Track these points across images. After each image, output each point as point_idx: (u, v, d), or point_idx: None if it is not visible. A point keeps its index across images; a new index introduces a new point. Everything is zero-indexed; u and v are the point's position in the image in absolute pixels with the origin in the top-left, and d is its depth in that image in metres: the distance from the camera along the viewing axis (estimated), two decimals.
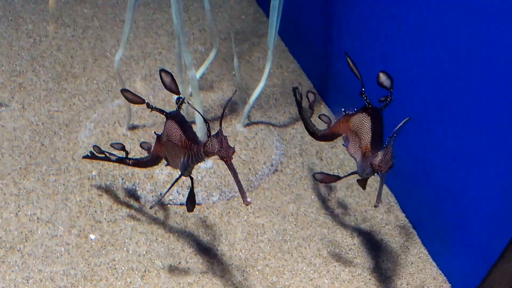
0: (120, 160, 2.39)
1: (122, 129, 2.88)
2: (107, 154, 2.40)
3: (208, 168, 2.72)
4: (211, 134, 1.74)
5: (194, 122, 2.73)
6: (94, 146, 2.41)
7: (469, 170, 2.25)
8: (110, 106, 3.07)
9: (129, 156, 2.35)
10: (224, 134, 1.72)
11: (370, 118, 1.94)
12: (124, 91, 1.91)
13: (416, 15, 2.38)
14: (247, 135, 3.00)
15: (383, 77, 1.94)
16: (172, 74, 1.89)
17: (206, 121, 1.76)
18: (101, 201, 2.56)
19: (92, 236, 2.41)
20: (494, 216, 2.18)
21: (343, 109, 2.11)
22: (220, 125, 1.73)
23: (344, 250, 2.49)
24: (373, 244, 2.54)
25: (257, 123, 3.11)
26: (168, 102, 3.14)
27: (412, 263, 2.49)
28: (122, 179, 2.62)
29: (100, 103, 3.11)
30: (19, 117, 2.96)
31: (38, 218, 2.46)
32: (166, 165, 2.14)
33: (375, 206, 1.82)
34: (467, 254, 2.35)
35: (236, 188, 2.64)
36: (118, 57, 2.63)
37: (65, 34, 3.74)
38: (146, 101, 1.90)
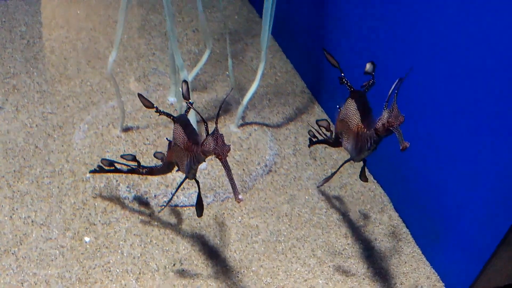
0: (132, 171, 2.40)
1: (116, 131, 2.89)
2: (117, 166, 2.41)
3: (202, 169, 2.72)
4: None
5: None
6: (103, 160, 2.42)
7: (461, 171, 2.27)
8: (104, 107, 3.07)
9: (141, 165, 2.36)
10: (230, 144, 1.74)
11: (355, 100, 1.95)
12: (140, 96, 1.98)
13: (406, 15, 2.40)
14: (241, 135, 3.01)
15: (368, 66, 1.98)
16: (188, 83, 1.96)
17: (204, 121, 1.78)
18: (96, 203, 2.56)
19: (86, 239, 2.41)
20: (486, 215, 2.20)
21: (338, 106, 2.11)
22: (216, 123, 1.75)
23: (338, 250, 2.51)
24: (366, 244, 2.56)
25: (250, 123, 3.12)
26: (162, 103, 3.14)
27: (405, 262, 2.50)
28: (117, 180, 2.62)
29: (94, 105, 3.11)
30: (13, 119, 2.96)
31: (32, 221, 2.47)
32: (177, 171, 2.16)
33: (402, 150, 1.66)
34: (460, 253, 2.36)
35: (230, 189, 2.66)
36: (111, 59, 2.63)
37: (58, 35, 3.73)
38: (155, 106, 1.97)
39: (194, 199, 2.61)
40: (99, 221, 2.49)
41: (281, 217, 2.63)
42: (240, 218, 2.60)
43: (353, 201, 2.77)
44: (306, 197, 2.76)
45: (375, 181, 2.90)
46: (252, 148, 2.93)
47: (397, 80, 1.70)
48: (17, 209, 2.51)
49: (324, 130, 2.34)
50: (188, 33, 3.96)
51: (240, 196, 1.61)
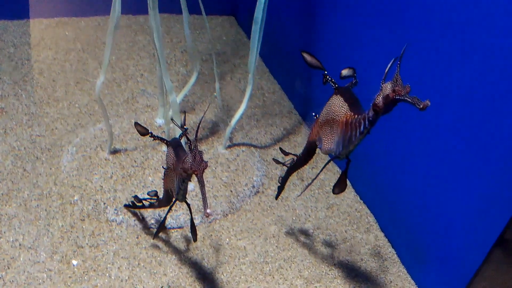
0: (151, 205, 2.48)
1: (104, 153, 2.90)
2: (144, 203, 2.51)
3: (190, 191, 2.74)
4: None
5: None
6: (135, 197, 2.51)
7: (445, 192, 2.30)
8: (92, 130, 3.09)
9: (158, 198, 2.43)
10: (206, 155, 1.75)
11: (340, 95, 1.86)
12: (136, 125, 2.05)
13: (395, 38, 2.44)
14: (228, 157, 3.03)
15: (344, 71, 1.88)
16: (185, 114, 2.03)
17: (188, 139, 1.81)
18: (83, 226, 2.57)
19: (74, 262, 2.42)
20: (470, 236, 2.23)
21: (313, 114, 2.08)
22: (195, 139, 1.78)
23: (324, 271, 2.53)
24: (353, 264, 2.58)
25: (238, 144, 3.15)
26: (150, 125, 3.16)
27: (391, 282, 2.53)
28: (104, 203, 2.64)
29: (82, 127, 3.13)
30: (1, 142, 2.97)
31: (20, 244, 2.47)
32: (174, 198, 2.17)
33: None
34: (445, 272, 2.39)
35: (218, 211, 2.69)
36: (99, 83, 2.66)
37: (47, 57, 3.76)
38: (150, 131, 2.02)
39: (181, 221, 2.63)
40: (87, 244, 2.50)
41: (269, 238, 2.65)
42: (227, 239, 2.62)
43: (340, 221, 2.80)
44: (293, 217, 2.79)
45: (361, 201, 2.93)
46: (239, 169, 2.95)
47: (392, 60, 1.63)
48: (4, 232, 2.51)
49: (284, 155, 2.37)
50: (176, 54, 4.00)
51: (208, 211, 1.63)
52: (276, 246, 2.62)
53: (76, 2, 4.26)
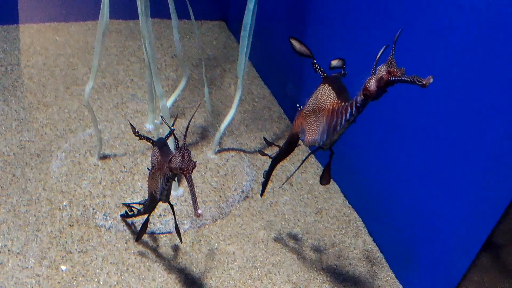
0: (139, 213, 2.47)
1: (93, 159, 2.91)
2: (133, 210, 2.51)
3: (179, 196, 2.75)
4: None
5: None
6: (125, 205, 2.51)
7: (433, 196, 2.32)
8: (81, 135, 3.09)
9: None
10: (195, 160, 1.74)
11: (328, 84, 1.79)
12: (130, 125, 2.10)
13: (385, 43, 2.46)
14: (218, 162, 3.04)
15: (334, 62, 1.84)
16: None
17: (176, 139, 1.82)
18: (72, 232, 2.57)
19: (63, 267, 2.42)
20: (458, 240, 2.25)
21: (298, 105, 2.02)
22: (184, 138, 1.77)
23: (313, 275, 2.54)
24: (341, 269, 2.59)
25: (228, 149, 3.16)
26: (140, 130, 3.17)
27: (379, 286, 2.54)
28: (93, 209, 2.64)
29: (71, 132, 3.14)
30: None
31: (9, 250, 2.47)
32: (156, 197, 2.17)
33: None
34: (433, 276, 2.41)
35: (208, 216, 2.69)
36: (88, 89, 2.66)
37: (36, 62, 3.76)
38: (136, 130, 2.04)
39: (170, 226, 2.63)
40: (76, 249, 2.50)
41: (258, 243, 2.66)
42: (216, 244, 2.63)
43: (329, 226, 2.81)
44: (283, 222, 2.80)
45: (350, 206, 2.94)
46: (229, 174, 2.96)
47: (384, 46, 1.57)
48: None
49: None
50: (166, 59, 4.01)
51: (199, 211, 1.62)
52: (265, 251, 2.63)
53: (67, 7, 4.26)
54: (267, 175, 2.42)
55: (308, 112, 1.89)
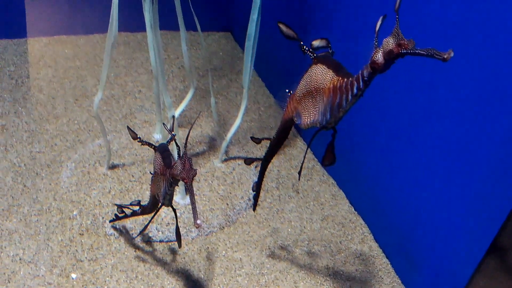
0: (134, 213, 2.50)
1: (103, 169, 2.96)
2: (126, 212, 2.53)
3: (186, 205, 2.79)
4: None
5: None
6: (118, 207, 2.53)
7: (438, 201, 2.35)
8: (90, 146, 3.15)
9: (141, 205, 2.46)
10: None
11: (321, 63, 1.74)
12: (127, 128, 2.15)
13: None
14: (224, 170, 3.09)
15: (316, 42, 1.79)
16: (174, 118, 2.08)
17: (178, 146, 1.86)
18: (82, 240, 2.62)
19: (73, 276, 2.46)
20: (463, 244, 2.27)
21: (287, 90, 1.99)
22: (185, 146, 1.81)
23: (319, 282, 2.57)
24: (347, 275, 2.62)
25: (234, 158, 3.20)
26: (148, 140, 3.21)
27: None
28: (103, 218, 2.69)
29: (81, 143, 3.19)
30: (2, 159, 3.03)
31: (20, 259, 2.51)
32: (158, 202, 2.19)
33: None
34: (438, 281, 2.43)
35: (215, 224, 2.73)
36: (97, 100, 2.72)
37: (46, 74, 3.83)
38: (138, 136, 2.09)
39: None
40: (86, 257, 2.55)
41: (264, 250, 2.70)
42: (224, 252, 2.67)
43: (335, 232, 2.84)
44: (289, 229, 2.83)
45: (356, 212, 2.98)
46: (235, 183, 3.01)
47: (381, 17, 1.49)
48: (5, 247, 2.56)
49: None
50: (174, 70, 4.07)
51: (198, 221, 1.65)
52: (272, 258, 2.66)
53: (75, 20, 4.34)
54: (262, 171, 2.37)
55: (302, 95, 1.85)
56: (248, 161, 2.35)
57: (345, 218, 2.93)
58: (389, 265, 2.70)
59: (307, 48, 1.79)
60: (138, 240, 2.65)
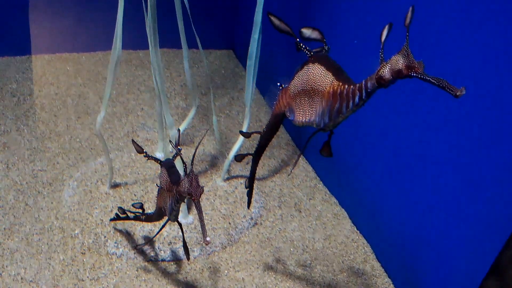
0: (136, 217, 2.52)
1: (105, 187, 2.96)
2: (128, 214, 2.54)
3: (189, 224, 2.79)
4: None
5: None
6: (119, 208, 2.54)
7: (440, 221, 2.35)
8: (92, 164, 3.15)
9: (144, 212, 2.47)
10: (205, 188, 1.79)
11: (319, 62, 1.68)
12: (133, 142, 2.18)
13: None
14: (227, 189, 3.08)
15: (307, 31, 1.69)
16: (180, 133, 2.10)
17: (183, 162, 1.86)
18: (84, 260, 2.61)
19: None
20: (464, 265, 2.27)
21: (278, 83, 1.93)
22: (192, 164, 1.82)
23: None
24: None
25: (236, 177, 3.20)
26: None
27: None
28: (105, 237, 2.68)
29: (83, 162, 3.19)
30: (4, 177, 3.03)
31: (22, 278, 2.50)
32: (164, 216, 2.21)
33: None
34: None
35: (217, 243, 2.72)
36: (99, 119, 2.73)
37: (48, 92, 3.84)
38: (144, 151, 2.12)
39: (181, 254, 2.66)
40: (88, 277, 2.53)
41: (267, 270, 2.69)
42: (226, 271, 2.65)
43: (337, 252, 2.83)
44: (291, 249, 2.82)
45: (358, 232, 2.97)
46: (237, 202, 3.00)
47: (387, 25, 1.43)
48: (6, 266, 2.55)
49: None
50: (176, 88, 4.08)
51: (207, 239, 1.66)
52: (274, 278, 2.65)
53: (77, 38, 4.36)
54: (253, 168, 2.34)
55: (297, 92, 1.79)
56: (239, 157, 2.29)
57: (347, 238, 2.93)
58: (391, 285, 2.69)
59: (303, 46, 1.72)
60: (140, 259, 2.63)
